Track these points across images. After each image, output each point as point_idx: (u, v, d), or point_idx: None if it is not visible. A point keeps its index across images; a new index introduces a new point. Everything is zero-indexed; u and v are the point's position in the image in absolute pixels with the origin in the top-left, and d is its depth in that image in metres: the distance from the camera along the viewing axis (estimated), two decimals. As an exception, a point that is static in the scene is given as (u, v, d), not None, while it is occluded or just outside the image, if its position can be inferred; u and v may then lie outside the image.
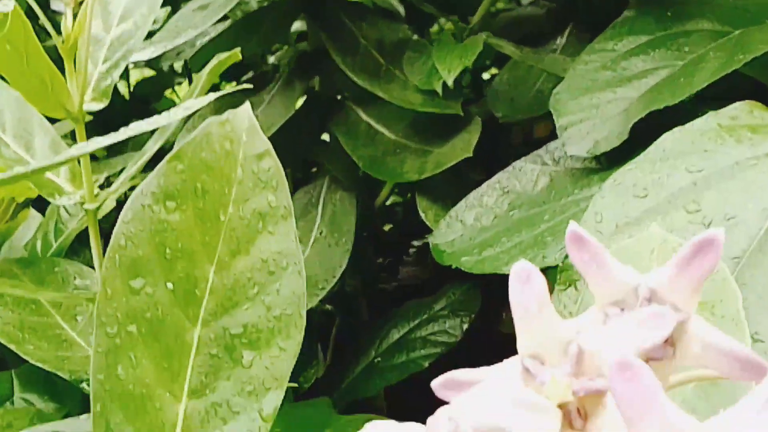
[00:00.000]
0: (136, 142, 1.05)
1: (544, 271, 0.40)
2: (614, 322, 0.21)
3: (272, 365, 0.35)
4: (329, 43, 0.86)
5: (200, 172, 0.36)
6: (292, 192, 0.98)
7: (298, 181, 1.01)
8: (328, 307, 0.94)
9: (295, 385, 0.83)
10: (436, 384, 0.22)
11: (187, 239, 0.35)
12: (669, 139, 0.43)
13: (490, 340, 0.83)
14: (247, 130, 0.38)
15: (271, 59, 1.10)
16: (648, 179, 0.41)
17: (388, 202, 1.03)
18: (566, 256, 0.41)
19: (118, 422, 0.33)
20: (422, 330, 0.80)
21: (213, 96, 0.44)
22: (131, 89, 1.21)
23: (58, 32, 0.59)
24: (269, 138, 0.83)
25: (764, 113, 0.45)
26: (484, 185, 0.67)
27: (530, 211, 0.61)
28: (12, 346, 0.67)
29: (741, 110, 0.45)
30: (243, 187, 0.37)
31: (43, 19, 0.57)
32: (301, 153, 0.97)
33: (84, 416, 0.46)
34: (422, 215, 0.80)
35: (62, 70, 0.59)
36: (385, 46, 0.88)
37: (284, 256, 0.37)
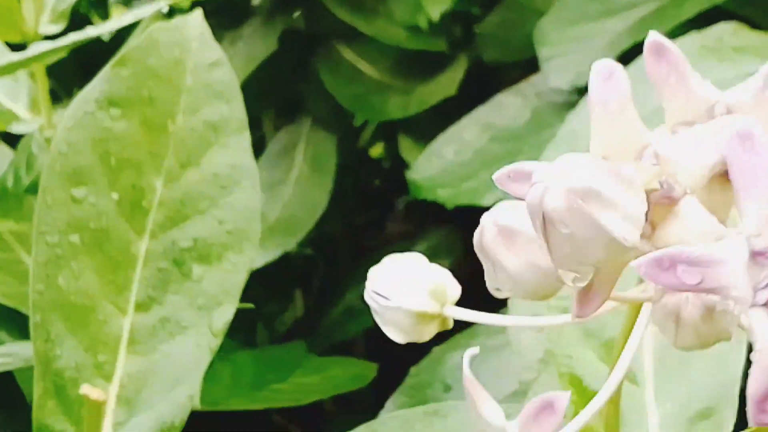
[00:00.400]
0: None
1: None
2: (691, 132, 0.19)
3: (224, 280, 0.34)
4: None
5: (147, 78, 0.35)
6: (274, 132, 0.97)
7: (281, 121, 0.99)
8: (309, 251, 0.93)
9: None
10: (500, 176, 0.21)
11: (133, 149, 0.34)
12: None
13: (473, 289, 0.82)
14: (198, 38, 0.36)
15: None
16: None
17: (375, 155, 1.01)
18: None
19: (59, 333, 0.31)
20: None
21: None
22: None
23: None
24: (249, 75, 0.81)
25: (749, 34, 0.44)
26: (465, 119, 0.65)
27: (510, 145, 0.60)
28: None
29: (725, 31, 0.44)
30: (193, 97, 0.35)
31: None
32: (282, 92, 0.95)
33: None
34: (404, 155, 0.79)
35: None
36: (368, -21, 0.86)
37: (238, 170, 0.35)
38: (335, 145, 0.86)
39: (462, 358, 0.60)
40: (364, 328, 0.79)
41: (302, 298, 0.88)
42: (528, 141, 0.62)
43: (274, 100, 0.95)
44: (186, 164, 0.35)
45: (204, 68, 0.36)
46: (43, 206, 0.32)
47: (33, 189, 0.76)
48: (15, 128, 0.54)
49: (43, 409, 0.31)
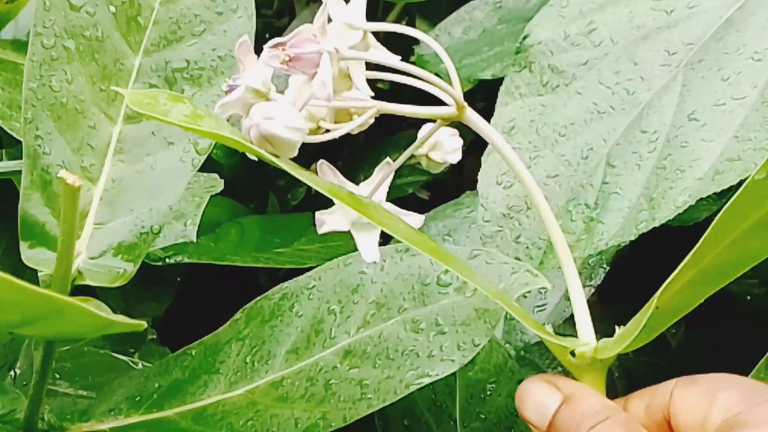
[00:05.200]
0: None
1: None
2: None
3: (212, 104, 0.35)
4: None
5: None
6: (299, 12, 0.97)
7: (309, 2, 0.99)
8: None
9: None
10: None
11: (135, -37, 0.35)
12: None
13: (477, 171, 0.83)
14: None
15: None
16: (621, -32, 0.40)
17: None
18: (524, 37, 0.40)
19: (48, 131, 0.33)
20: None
21: None
22: None
23: None
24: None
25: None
26: (477, -1, 0.66)
27: (517, 26, 0.60)
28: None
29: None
30: None
31: None
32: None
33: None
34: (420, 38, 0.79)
35: None
36: None
37: (235, -1, 0.36)
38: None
39: (447, 227, 0.61)
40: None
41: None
42: (535, 23, 0.62)
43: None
44: (185, -14, 0.36)
45: None
46: (41, 8, 0.33)
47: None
48: None
49: (29, 200, 0.33)
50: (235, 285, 0.73)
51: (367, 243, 0.29)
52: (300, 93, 0.27)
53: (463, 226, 0.56)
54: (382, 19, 0.93)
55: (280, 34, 0.94)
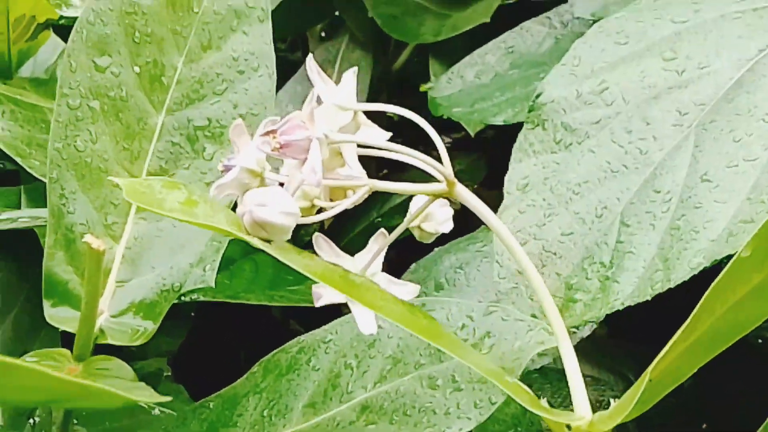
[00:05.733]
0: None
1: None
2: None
3: (231, 160, 0.36)
4: None
5: (177, -41, 0.36)
6: (314, 49, 0.98)
7: (323, 39, 1.00)
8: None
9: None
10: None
11: (158, 26, 0.36)
12: (661, -11, 0.42)
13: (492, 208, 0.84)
14: None
15: None
16: (632, 27, 0.40)
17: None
18: (537, 95, 0.41)
19: (73, 190, 0.33)
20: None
21: None
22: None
23: None
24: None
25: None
26: (490, 43, 0.67)
27: (529, 71, 0.61)
28: (18, 159, 0.69)
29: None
30: (220, -18, 0.37)
31: None
32: (326, 9, 0.96)
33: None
34: (432, 78, 0.80)
35: None
36: None
37: (257, 57, 0.37)
38: (370, 64, 0.87)
39: (460, 261, 0.61)
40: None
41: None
42: (546, 68, 0.63)
43: (316, 15, 0.96)
44: (207, 46, 0.36)
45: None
46: (68, 70, 0.34)
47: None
48: (65, 12, 0.56)
49: (53, 258, 0.33)
50: (249, 318, 0.73)
51: (363, 315, 0.30)
52: (292, 177, 0.28)
53: (476, 260, 0.57)
54: (394, 58, 0.94)
55: (294, 68, 0.95)
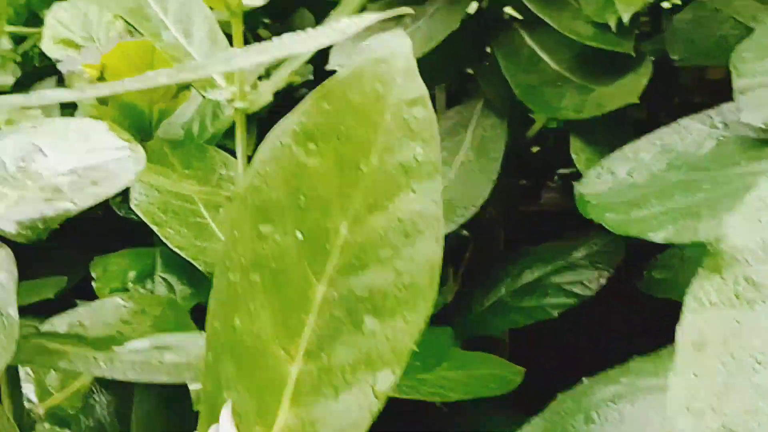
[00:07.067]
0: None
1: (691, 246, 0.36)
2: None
3: (394, 337, 0.32)
4: (503, -41, 0.80)
5: (346, 114, 0.33)
6: (445, 109, 0.95)
7: (451, 97, 0.97)
8: (464, 231, 0.91)
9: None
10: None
11: (324, 187, 0.33)
12: None
13: (627, 297, 0.79)
14: (404, 71, 0.34)
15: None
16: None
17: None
18: (717, 240, 0.36)
19: (229, 377, 0.31)
20: (557, 276, 0.77)
21: (376, 17, 0.40)
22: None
23: None
24: (428, 52, 0.79)
25: None
26: (643, 139, 0.62)
27: (689, 175, 0.56)
28: (155, 228, 0.68)
29: None
30: (389, 136, 0.34)
31: None
32: (457, 68, 0.93)
33: (197, 335, 0.45)
34: (574, 157, 0.76)
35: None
36: (562, -32, 0.82)
37: (424, 219, 0.34)
38: (505, 131, 0.84)
39: (612, 394, 0.57)
40: (511, 327, 0.78)
41: (453, 282, 0.86)
42: (709, 175, 0.58)
43: (448, 75, 0.93)
44: (373, 207, 0.33)
45: (404, 105, 0.34)
46: (231, 241, 0.31)
47: (214, 140, 0.78)
48: (210, 94, 0.55)
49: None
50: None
51: None
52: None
53: (631, 394, 0.53)
54: (529, 125, 0.90)
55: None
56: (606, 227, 0.58)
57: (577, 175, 0.68)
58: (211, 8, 0.61)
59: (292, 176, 0.32)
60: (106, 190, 0.41)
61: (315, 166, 0.32)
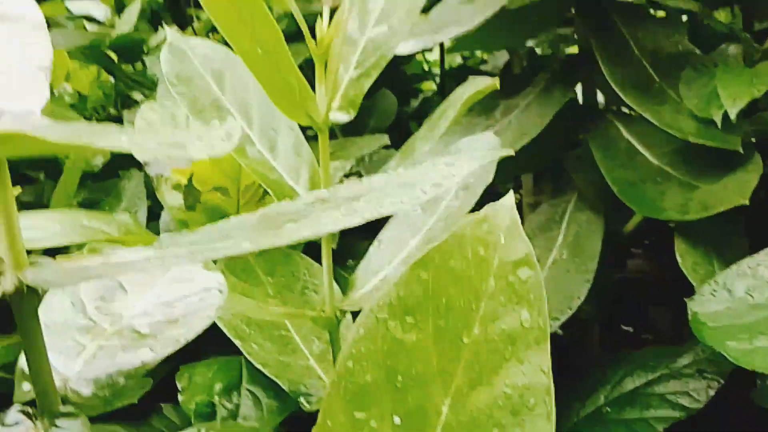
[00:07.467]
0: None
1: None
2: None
3: None
4: (598, 50, 0.77)
5: (446, 283, 0.30)
6: (534, 203, 0.92)
7: (540, 188, 0.94)
8: (558, 331, 0.87)
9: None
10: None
11: (423, 364, 0.30)
12: None
13: (738, 409, 0.74)
14: (507, 230, 0.32)
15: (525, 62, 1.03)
16: None
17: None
18: None
19: None
20: (661, 386, 0.72)
21: (476, 163, 0.37)
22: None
23: (313, 35, 0.55)
24: (521, 148, 0.76)
25: None
26: (762, 253, 0.57)
27: (817, 298, 0.52)
28: (238, 343, 0.66)
29: None
30: (493, 303, 0.31)
31: (299, 21, 0.54)
32: (548, 158, 0.90)
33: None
34: (679, 260, 0.71)
35: (313, 72, 0.56)
36: (661, 59, 0.79)
37: (532, 393, 0.31)
38: (601, 227, 0.80)
39: None
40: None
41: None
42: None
43: (536, 166, 0.90)
44: (476, 383, 0.30)
45: (509, 267, 0.31)
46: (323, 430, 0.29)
47: (299, 246, 0.76)
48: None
49: None
50: None
51: None
52: None
53: None
54: (625, 220, 0.86)
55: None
56: (728, 358, 0.53)
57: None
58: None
59: (389, 355, 0.30)
60: (186, 334, 0.40)
61: (413, 342, 0.30)
